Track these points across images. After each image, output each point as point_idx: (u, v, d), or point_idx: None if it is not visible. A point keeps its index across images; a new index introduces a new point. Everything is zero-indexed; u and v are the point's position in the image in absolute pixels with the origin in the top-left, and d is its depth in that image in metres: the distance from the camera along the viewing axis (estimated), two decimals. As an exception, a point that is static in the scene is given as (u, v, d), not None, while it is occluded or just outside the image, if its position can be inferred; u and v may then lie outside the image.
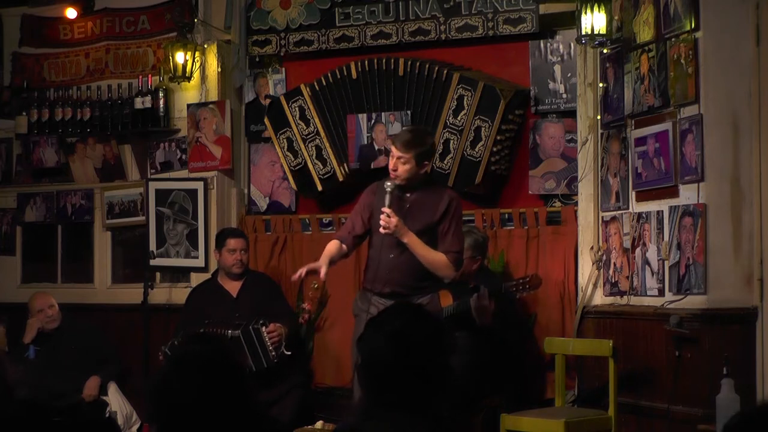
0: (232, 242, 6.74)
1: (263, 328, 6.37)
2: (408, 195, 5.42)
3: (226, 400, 2.60)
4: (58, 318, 7.19)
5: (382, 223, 5.30)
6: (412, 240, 5.32)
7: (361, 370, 2.68)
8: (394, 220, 5.27)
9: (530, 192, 6.74)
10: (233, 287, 6.76)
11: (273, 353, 6.36)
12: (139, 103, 7.54)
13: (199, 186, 7.46)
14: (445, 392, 2.64)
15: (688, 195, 5.45)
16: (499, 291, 5.93)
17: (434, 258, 5.34)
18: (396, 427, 2.58)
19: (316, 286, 7.14)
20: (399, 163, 5.32)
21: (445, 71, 6.70)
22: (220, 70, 7.48)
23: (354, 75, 6.97)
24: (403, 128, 6.26)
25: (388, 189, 5.34)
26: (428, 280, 5.42)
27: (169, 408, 2.59)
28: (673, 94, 5.49)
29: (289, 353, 6.36)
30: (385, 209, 5.30)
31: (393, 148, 5.39)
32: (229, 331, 6.34)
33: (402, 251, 5.36)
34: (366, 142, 6.91)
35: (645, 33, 5.72)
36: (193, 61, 7.36)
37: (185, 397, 2.58)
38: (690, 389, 5.39)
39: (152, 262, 7.44)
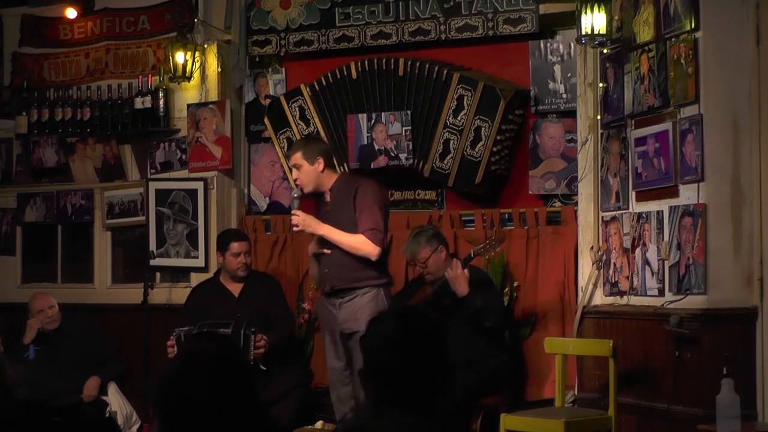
0: (235, 246, 6.69)
1: (253, 338, 6.35)
2: (328, 199, 5.81)
3: (234, 398, 2.60)
4: (58, 318, 7.18)
5: (292, 221, 5.75)
6: (326, 230, 5.73)
7: (362, 371, 2.68)
8: (300, 217, 5.71)
9: (530, 192, 6.74)
10: (235, 288, 6.74)
11: (250, 364, 6.31)
12: (139, 103, 7.54)
13: (199, 186, 7.47)
14: (447, 390, 2.64)
15: (688, 195, 5.45)
16: (469, 257, 6.06)
17: (351, 239, 5.69)
18: (401, 426, 2.58)
19: (315, 286, 7.15)
20: (296, 173, 5.80)
21: (445, 71, 6.70)
22: (220, 70, 7.48)
23: (354, 75, 6.97)
24: None
25: (295, 195, 5.84)
26: (365, 271, 5.72)
27: (178, 403, 2.59)
28: (673, 94, 5.49)
29: (264, 369, 6.32)
30: (294, 211, 5.77)
31: (288, 162, 5.94)
32: (221, 329, 6.32)
33: (329, 248, 5.73)
34: (366, 142, 6.91)
35: (645, 33, 5.72)
36: (193, 61, 7.36)
37: (195, 394, 2.58)
38: (690, 389, 5.39)
39: (152, 262, 7.44)
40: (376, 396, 2.64)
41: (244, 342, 6.29)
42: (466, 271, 5.97)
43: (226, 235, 6.87)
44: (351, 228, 5.72)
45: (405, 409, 2.60)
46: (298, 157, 5.78)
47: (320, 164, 5.78)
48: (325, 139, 7.07)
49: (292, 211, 5.81)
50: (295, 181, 5.88)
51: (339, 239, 5.70)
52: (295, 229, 5.79)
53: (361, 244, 5.67)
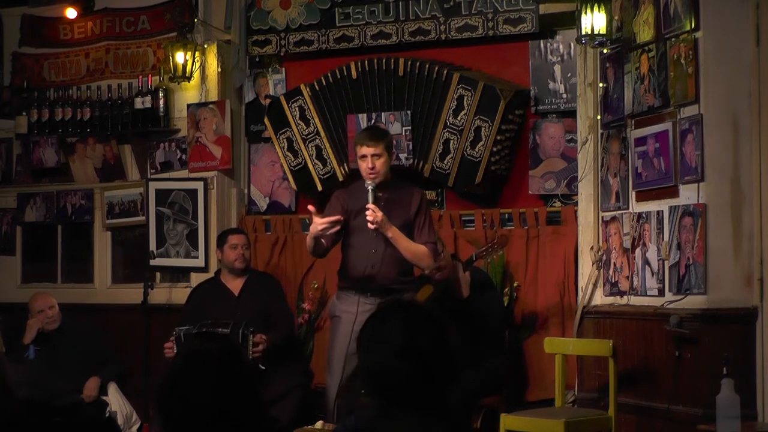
0: (233, 238, 6.74)
1: (251, 337, 6.34)
2: (380, 194, 5.61)
3: (236, 399, 2.60)
4: (59, 319, 7.18)
5: (369, 218, 5.48)
6: (395, 233, 5.56)
7: (366, 378, 2.65)
8: (379, 214, 5.48)
9: (530, 192, 6.74)
10: (235, 286, 6.74)
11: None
12: (139, 103, 7.54)
13: (199, 186, 7.47)
14: (452, 387, 2.63)
15: (688, 195, 5.45)
16: (471, 260, 6.10)
17: (416, 249, 5.61)
18: (412, 426, 2.57)
19: (315, 286, 7.15)
20: (374, 160, 5.56)
21: (445, 71, 6.70)
22: (220, 70, 7.48)
23: (354, 75, 6.97)
24: (360, 131, 6.25)
25: (370, 188, 5.54)
26: (410, 275, 5.74)
27: (181, 404, 2.58)
28: (673, 94, 5.49)
29: (264, 368, 6.31)
30: (370, 205, 5.49)
31: (363, 149, 5.58)
32: (220, 329, 6.32)
33: (384, 247, 5.59)
34: (366, 142, 6.90)
35: (645, 33, 5.72)
36: (193, 61, 7.37)
37: (198, 395, 2.57)
38: (690, 389, 5.39)
39: (152, 262, 7.44)
40: (383, 398, 2.62)
41: (242, 341, 6.29)
42: (467, 274, 5.99)
43: (225, 230, 6.96)
44: (401, 231, 5.63)
45: (413, 409, 2.58)
46: (381, 147, 5.57)
47: (393, 158, 5.77)
48: (325, 139, 7.09)
49: (368, 205, 5.50)
50: (370, 168, 5.55)
51: (406, 246, 5.58)
52: (371, 226, 5.49)
53: (424, 255, 5.63)
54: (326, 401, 5.79)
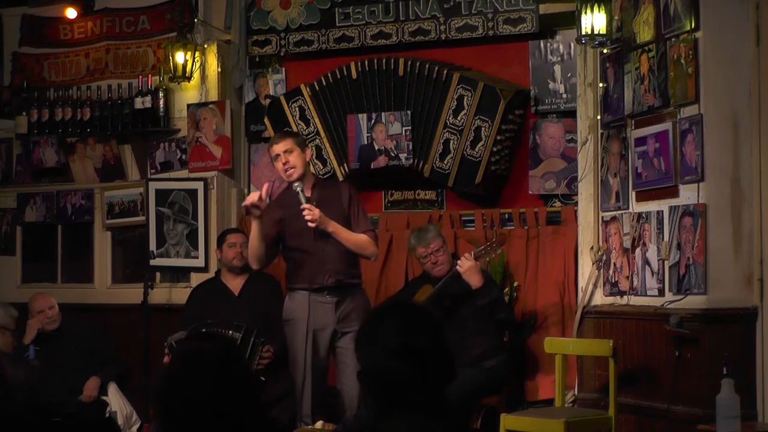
0: (231, 237, 6.75)
1: (260, 347, 6.35)
2: (308, 196, 5.73)
3: (236, 399, 2.60)
4: (58, 319, 7.17)
5: (307, 217, 5.61)
6: (335, 228, 5.71)
7: (365, 379, 2.65)
8: (316, 211, 5.62)
9: (530, 192, 6.74)
10: (236, 286, 6.74)
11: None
12: (139, 103, 7.54)
13: (199, 186, 7.47)
14: (451, 387, 2.63)
15: (688, 195, 5.45)
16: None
17: (358, 239, 5.77)
18: (412, 427, 2.57)
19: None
20: (287, 157, 5.68)
21: (445, 71, 6.70)
22: (220, 70, 7.48)
23: (354, 75, 6.97)
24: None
25: (298, 188, 5.68)
26: (356, 268, 5.88)
27: (181, 404, 2.58)
28: (673, 94, 5.49)
29: (264, 380, 6.31)
30: (305, 205, 5.62)
31: (273, 149, 5.73)
32: (230, 332, 6.32)
33: (328, 244, 5.71)
34: (366, 142, 6.91)
35: (645, 33, 5.72)
36: (193, 61, 7.37)
37: (198, 394, 2.57)
38: (690, 389, 5.39)
39: (152, 262, 7.44)
40: (381, 399, 2.62)
41: (251, 349, 6.29)
42: (478, 262, 5.99)
43: (223, 231, 6.97)
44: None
45: (413, 410, 2.58)
46: (290, 142, 5.72)
47: (308, 154, 5.83)
48: (325, 139, 7.09)
49: (303, 205, 5.63)
50: (284, 165, 5.67)
51: (347, 237, 5.73)
52: (311, 225, 5.63)
53: (368, 244, 5.79)
54: (302, 402, 5.84)
